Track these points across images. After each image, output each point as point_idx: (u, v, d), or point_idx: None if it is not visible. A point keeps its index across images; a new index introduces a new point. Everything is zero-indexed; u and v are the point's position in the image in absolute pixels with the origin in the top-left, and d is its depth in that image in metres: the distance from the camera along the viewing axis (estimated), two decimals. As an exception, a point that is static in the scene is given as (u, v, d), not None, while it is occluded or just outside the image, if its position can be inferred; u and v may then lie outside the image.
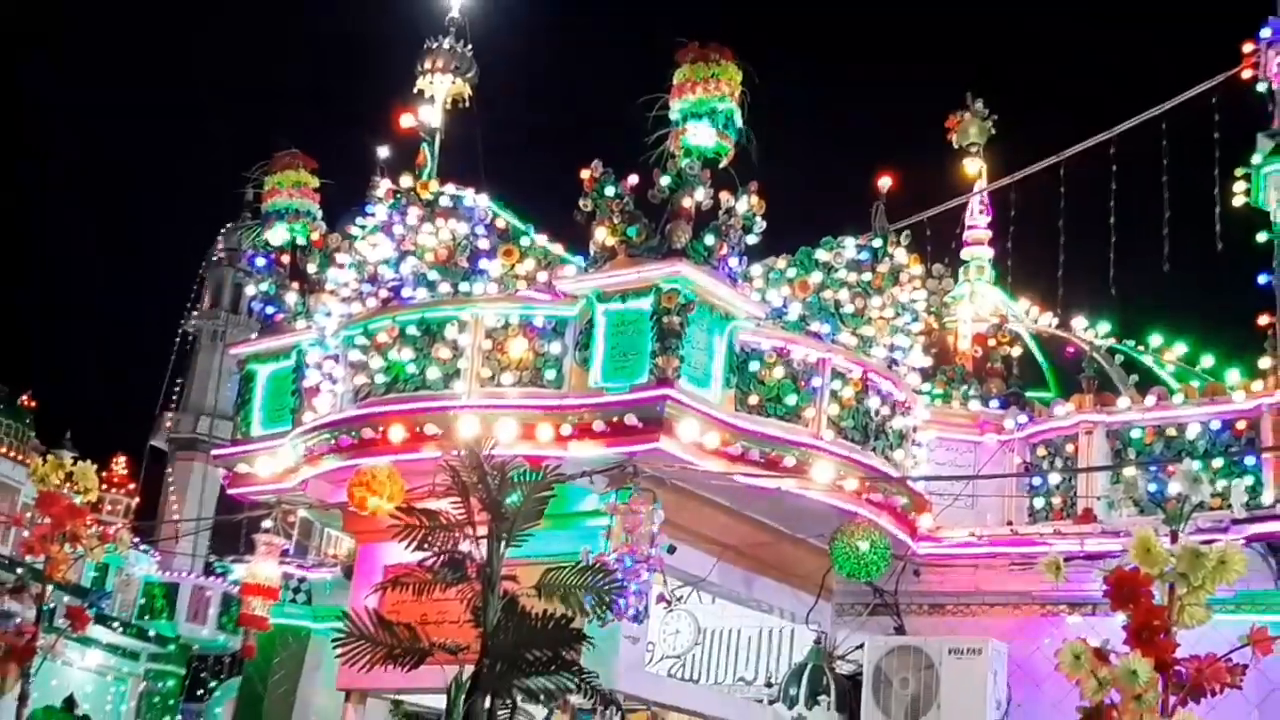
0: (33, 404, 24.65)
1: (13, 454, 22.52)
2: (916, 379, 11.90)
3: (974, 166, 17.31)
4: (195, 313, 27.94)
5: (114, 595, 20.21)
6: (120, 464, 23.79)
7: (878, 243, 11.42)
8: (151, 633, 24.73)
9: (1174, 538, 4.62)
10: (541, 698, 6.09)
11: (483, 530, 6.00)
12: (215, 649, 26.47)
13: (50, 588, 8.04)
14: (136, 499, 24.54)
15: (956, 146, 16.75)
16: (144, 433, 27.26)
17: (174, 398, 28.00)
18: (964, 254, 17.20)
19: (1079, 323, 16.26)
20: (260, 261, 12.46)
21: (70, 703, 23.91)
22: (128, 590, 23.67)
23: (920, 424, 11.87)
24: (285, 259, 12.42)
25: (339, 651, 5.94)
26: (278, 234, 12.32)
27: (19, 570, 11.34)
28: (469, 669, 5.85)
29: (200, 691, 27.82)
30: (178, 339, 28.00)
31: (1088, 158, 14.00)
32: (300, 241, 12.23)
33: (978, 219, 17.34)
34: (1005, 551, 11.74)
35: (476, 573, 5.85)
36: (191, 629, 25.43)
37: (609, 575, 6.49)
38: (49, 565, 7.83)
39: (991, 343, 13.79)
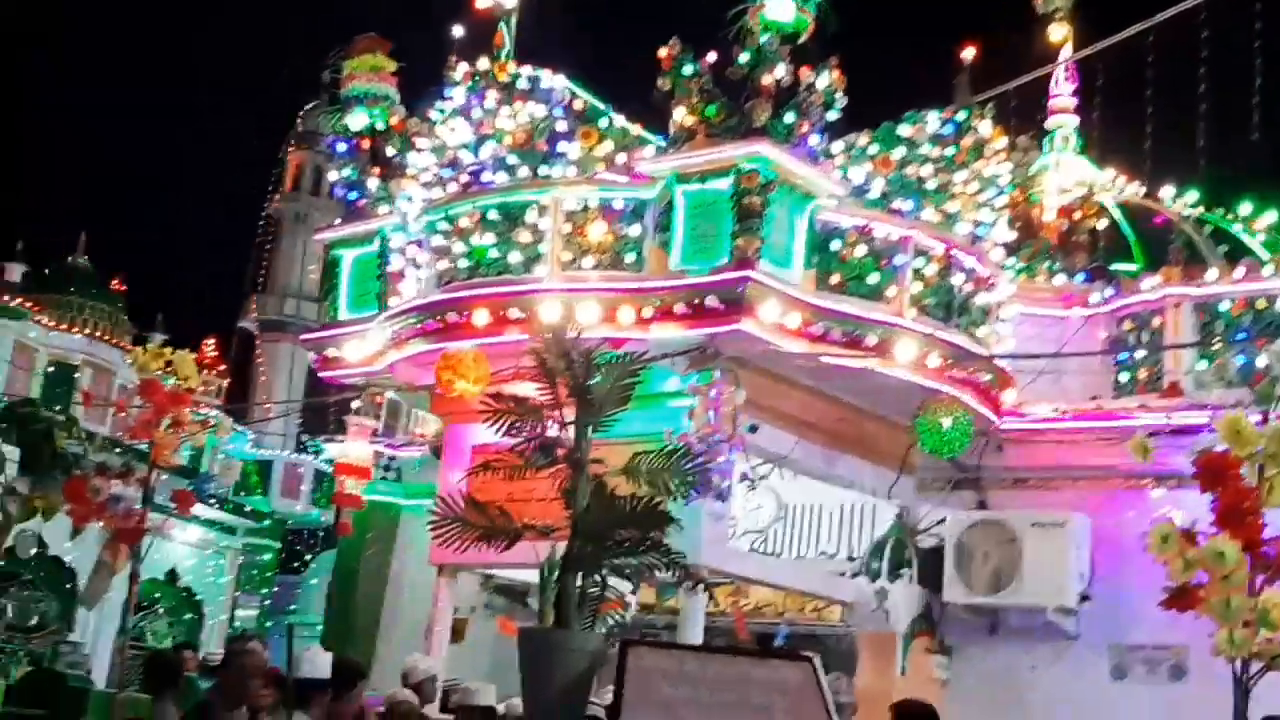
0: (123, 288, 25.17)
1: (107, 338, 23.08)
2: (1001, 254, 11.76)
3: (1059, 33, 16.84)
4: (277, 196, 28.19)
5: (211, 475, 20.77)
6: (210, 346, 24.33)
7: (961, 116, 11.22)
8: (247, 508, 25.47)
9: (1264, 418, 4.61)
10: (629, 574, 6.24)
11: (569, 414, 6.09)
12: (308, 523, 27.21)
13: (156, 471, 8.33)
14: (227, 380, 25.10)
15: (1041, 12, 16.28)
16: (232, 316, 27.79)
17: (259, 281, 28.46)
18: (1049, 123, 16.85)
19: (1166, 192, 15.93)
20: (341, 147, 12.54)
21: (172, 575, 24.82)
22: (227, 472, 24.33)
23: (1005, 299, 11.76)
24: (365, 144, 12.48)
25: (434, 532, 6.11)
26: (357, 119, 12.36)
27: (124, 454, 11.73)
28: (559, 546, 6.01)
29: (295, 564, 28.71)
30: (261, 222, 28.39)
31: (1178, 23, 13.54)
32: (379, 126, 12.27)
33: (1063, 87, 16.95)
34: (1090, 426, 11.71)
35: (565, 456, 5.93)
36: (286, 504, 26.12)
37: (694, 458, 6.54)
38: (154, 449, 8.10)
39: (1077, 215, 13.56)
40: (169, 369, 8.40)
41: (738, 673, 5.39)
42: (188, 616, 25.20)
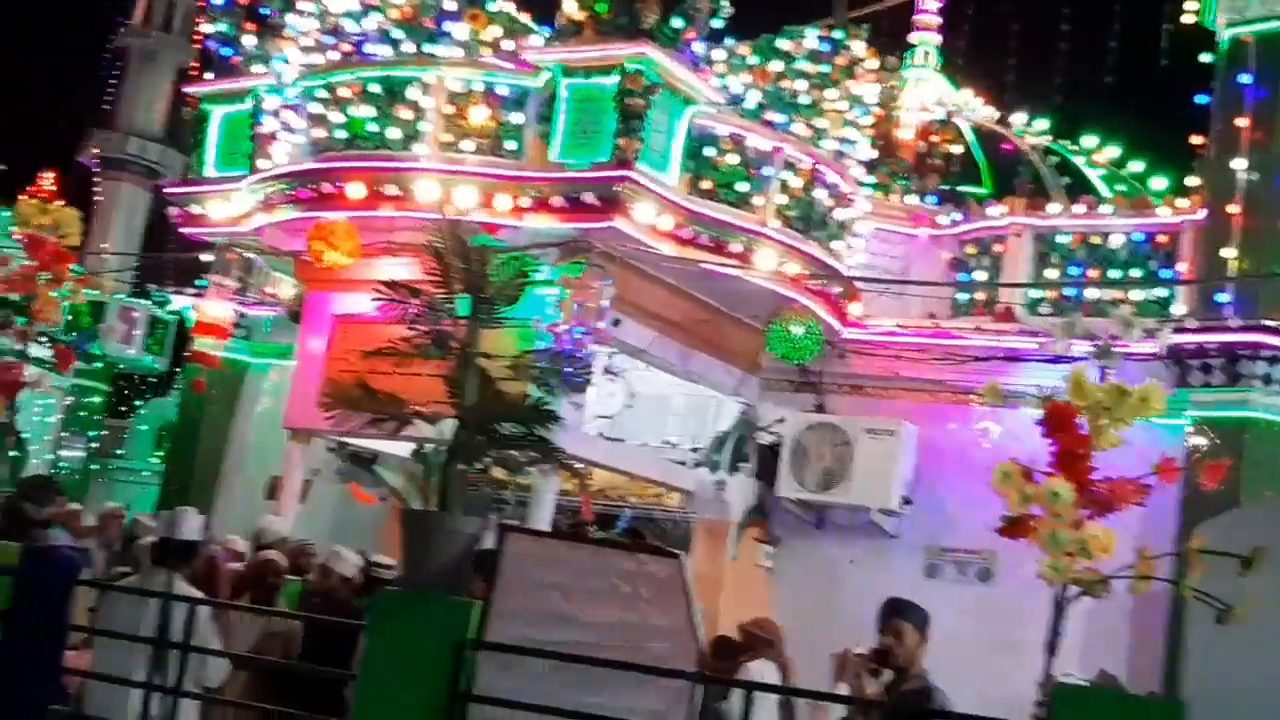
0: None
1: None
2: (861, 171, 12.27)
3: (931, -52, 17.33)
4: (124, 28, 27.04)
5: (93, 334, 20.01)
6: (49, 180, 23.42)
7: (839, 34, 11.59)
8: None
9: (1102, 375, 5.17)
10: (508, 464, 6.61)
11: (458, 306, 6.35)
12: (140, 368, 26.72)
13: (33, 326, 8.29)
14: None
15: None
16: (70, 150, 26.72)
17: (100, 116, 27.36)
18: (911, 38, 17.36)
19: (1018, 119, 16.65)
20: (218, 0, 12.28)
21: (-3, 416, 24.24)
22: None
23: (860, 215, 12.30)
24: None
25: (326, 411, 6.36)
26: (238, -29, 12.11)
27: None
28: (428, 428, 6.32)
29: (124, 409, 28.23)
30: (106, 55, 27.22)
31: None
32: (259, -19, 12.05)
33: (929, 3, 17.47)
34: (925, 343, 12.38)
35: (456, 349, 6.22)
36: (118, 349, 25.57)
37: (569, 356, 6.91)
38: (35, 306, 8.06)
39: (935, 139, 14.13)
40: (49, 223, 8.32)
41: (606, 563, 5.81)
42: (12, 454, 24.67)
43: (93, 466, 26.40)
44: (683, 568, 5.57)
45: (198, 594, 6.77)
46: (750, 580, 12.43)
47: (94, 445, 26.60)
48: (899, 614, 6.49)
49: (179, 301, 16.72)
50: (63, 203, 25.03)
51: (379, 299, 6.46)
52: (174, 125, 27.40)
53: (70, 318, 25.07)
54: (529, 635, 5.62)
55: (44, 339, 9.03)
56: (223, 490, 16.03)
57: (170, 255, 13.07)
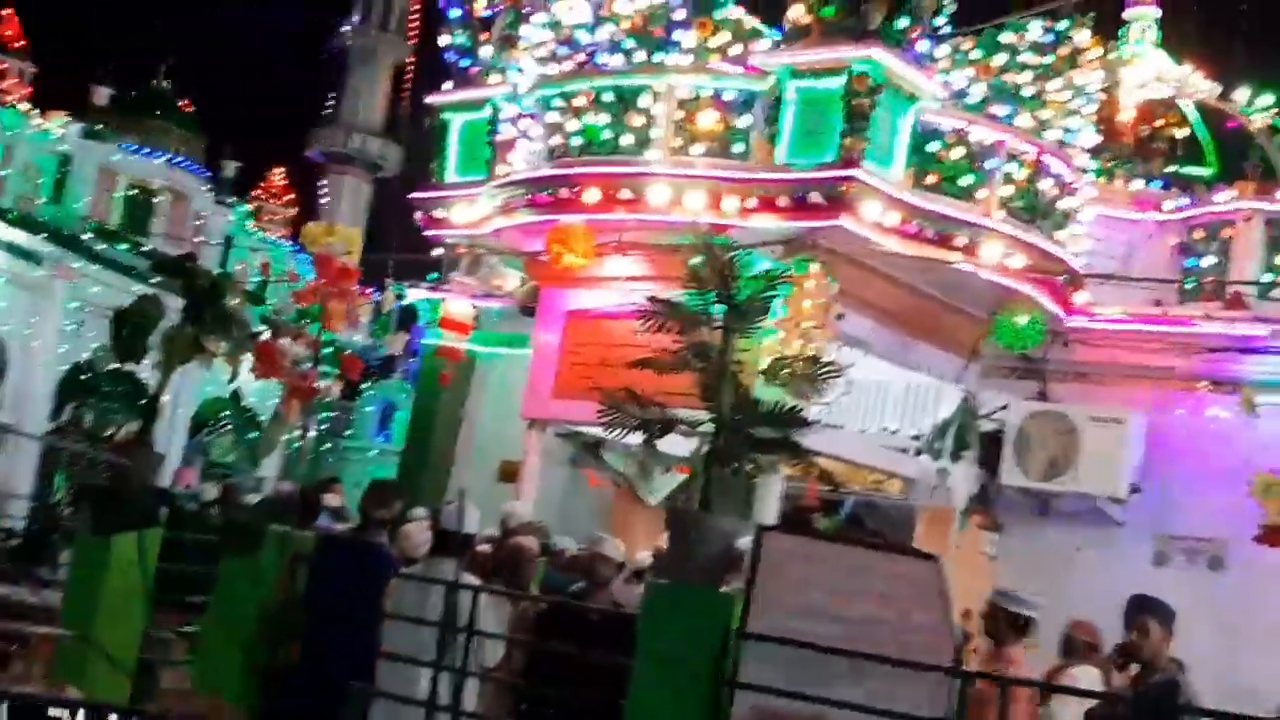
0: (191, 108, 25.53)
1: (184, 164, 23.58)
2: (1085, 159, 12.24)
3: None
4: (345, 28, 28.28)
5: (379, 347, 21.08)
6: (279, 175, 24.80)
7: (1064, 25, 11.60)
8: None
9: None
10: (761, 465, 7.04)
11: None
12: (367, 353, 28.12)
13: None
14: (295, 209, 25.63)
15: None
16: (297, 146, 28.21)
17: (325, 112, 28.77)
18: (1128, 14, 17.04)
19: (1242, 94, 16.21)
20: (455, 12, 12.97)
21: (236, 396, 25.89)
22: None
23: (1084, 203, 12.28)
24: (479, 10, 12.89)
25: (602, 422, 6.86)
26: (472, -16, 12.76)
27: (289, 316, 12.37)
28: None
29: (352, 392, 29.76)
30: (327, 54, 28.56)
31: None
32: (493, -7, 12.66)
33: (1149, -26, 17.10)
34: (1152, 330, 12.32)
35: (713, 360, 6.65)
36: (345, 333, 26.90)
37: (829, 366, 7.26)
38: (325, 317, 8.80)
39: (1158, 122, 13.96)
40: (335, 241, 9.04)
41: (866, 562, 6.18)
42: (251, 435, 26.36)
43: (323, 446, 27.96)
44: (940, 569, 5.90)
45: (477, 582, 7.38)
46: (974, 567, 12.57)
47: (324, 426, 28.15)
48: (1145, 610, 6.68)
49: (414, 294, 17.63)
50: (293, 196, 26.57)
51: (642, 313, 6.92)
52: (393, 120, 28.66)
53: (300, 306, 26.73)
54: (792, 627, 6.03)
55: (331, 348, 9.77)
56: (455, 473, 16.89)
57: (417, 256, 13.80)
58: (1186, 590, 11.68)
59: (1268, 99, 16.11)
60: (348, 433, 28.35)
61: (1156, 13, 17.15)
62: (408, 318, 20.33)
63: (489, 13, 12.77)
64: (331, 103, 28.24)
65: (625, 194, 11.07)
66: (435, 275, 15.25)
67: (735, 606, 6.16)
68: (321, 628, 7.21)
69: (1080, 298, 12.38)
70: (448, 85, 13.26)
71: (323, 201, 27.80)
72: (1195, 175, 14.11)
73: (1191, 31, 17.19)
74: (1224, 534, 11.64)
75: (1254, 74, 16.59)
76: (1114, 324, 12.40)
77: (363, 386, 29.49)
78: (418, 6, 27.28)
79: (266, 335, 10.65)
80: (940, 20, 10.90)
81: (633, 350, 8.16)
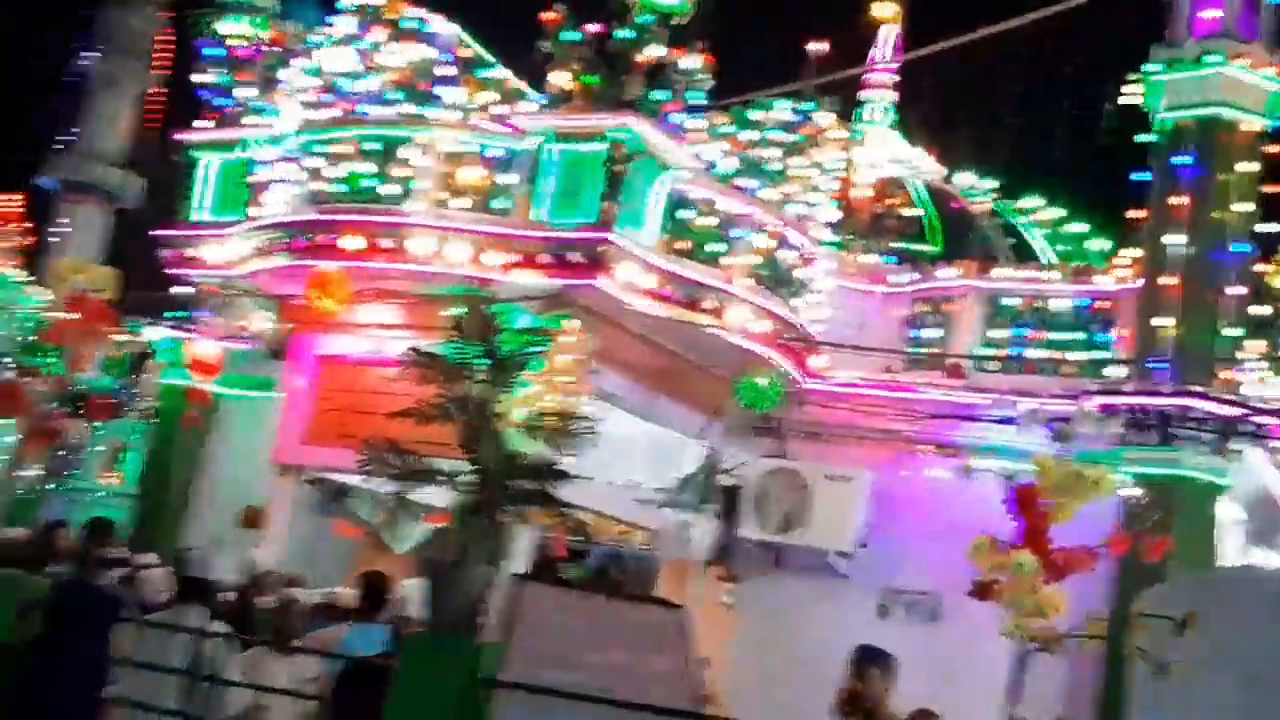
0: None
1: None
2: (825, 231, 13.01)
3: (888, 9, 18.25)
4: (85, 55, 27.19)
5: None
6: (15, 202, 23.57)
7: (809, 105, 12.35)
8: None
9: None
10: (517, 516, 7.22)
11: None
12: (96, 390, 26.87)
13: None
14: (32, 239, 24.36)
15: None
16: (28, 171, 26.88)
17: (62, 139, 27.52)
18: (862, 94, 18.21)
19: (967, 178, 17.52)
20: (212, 50, 12.81)
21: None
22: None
23: (822, 273, 13.03)
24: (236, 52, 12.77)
25: (361, 469, 6.91)
26: (232, 26, 12.65)
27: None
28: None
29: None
30: (68, 78, 27.38)
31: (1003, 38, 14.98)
32: (257, 35, 12.57)
33: (887, 60, 18.35)
34: (881, 395, 13.12)
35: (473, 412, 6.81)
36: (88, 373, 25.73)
37: (583, 420, 7.51)
38: (72, 359, 8.51)
39: (892, 200, 14.96)
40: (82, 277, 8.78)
41: (613, 612, 6.45)
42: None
43: (48, 486, 26.52)
44: (685, 619, 6.22)
45: (225, 629, 7.30)
46: (713, 617, 13.04)
47: (49, 465, 26.68)
48: (868, 659, 7.15)
49: (151, 333, 17.09)
50: (30, 224, 25.33)
51: (406, 363, 7.03)
52: (136, 151, 27.67)
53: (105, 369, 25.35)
54: (543, 675, 6.22)
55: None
56: (194, 517, 16.39)
57: (163, 294, 13.43)
58: (908, 640, 12.48)
59: (992, 183, 17.51)
60: (74, 472, 27.01)
61: (893, 96, 18.43)
62: (142, 357, 19.70)
63: (250, 54, 12.65)
64: (74, 131, 27.15)
65: (387, 242, 11.17)
66: (178, 313, 14.85)
67: (488, 655, 6.31)
68: (49, 671, 6.98)
69: (817, 362, 13.10)
70: (200, 122, 13.05)
71: (57, 232, 26.59)
72: (922, 252, 15.14)
73: (922, 116, 18.52)
74: (941, 588, 12.42)
75: (977, 159, 18.00)
76: (846, 387, 13.14)
77: (93, 425, 28.13)
78: (168, 35, 26.49)
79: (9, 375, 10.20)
80: (696, 95, 11.42)
81: (387, 398, 8.26)
